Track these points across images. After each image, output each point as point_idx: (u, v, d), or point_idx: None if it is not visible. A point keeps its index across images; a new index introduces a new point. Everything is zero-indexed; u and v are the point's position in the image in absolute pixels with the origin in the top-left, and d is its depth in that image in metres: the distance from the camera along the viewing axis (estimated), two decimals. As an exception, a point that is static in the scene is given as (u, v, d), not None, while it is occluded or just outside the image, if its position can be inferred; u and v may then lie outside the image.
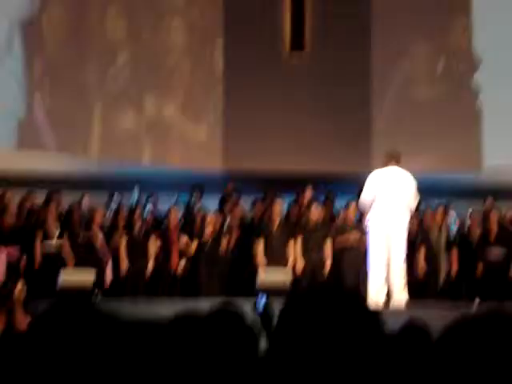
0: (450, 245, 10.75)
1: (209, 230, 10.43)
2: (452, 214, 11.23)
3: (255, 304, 5.63)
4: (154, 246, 10.26)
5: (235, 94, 12.34)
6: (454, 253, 10.72)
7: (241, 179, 11.76)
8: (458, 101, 12.43)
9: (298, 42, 12.18)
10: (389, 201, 8.87)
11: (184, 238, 10.42)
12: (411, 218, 9.25)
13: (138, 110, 12.23)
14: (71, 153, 11.95)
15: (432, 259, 10.59)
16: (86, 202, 10.80)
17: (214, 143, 12.41)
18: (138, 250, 10.15)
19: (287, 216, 10.81)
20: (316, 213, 10.41)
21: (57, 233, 9.91)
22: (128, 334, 1.55)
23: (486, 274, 10.56)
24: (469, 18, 12.57)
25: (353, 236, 10.25)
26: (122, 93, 12.09)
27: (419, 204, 9.67)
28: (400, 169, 9.04)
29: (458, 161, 12.40)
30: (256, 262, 10.20)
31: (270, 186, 11.50)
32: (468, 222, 11.24)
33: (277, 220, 10.37)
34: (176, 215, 10.55)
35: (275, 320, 1.55)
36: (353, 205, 10.38)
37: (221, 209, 11.12)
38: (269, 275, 9.89)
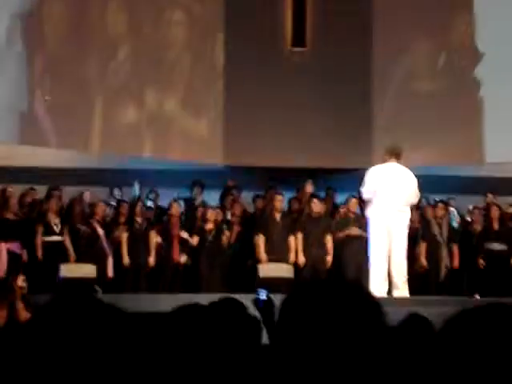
0: (450, 240, 10.75)
1: (209, 225, 10.44)
2: (453, 210, 11.23)
3: (256, 299, 5.63)
4: (154, 240, 10.26)
5: (236, 89, 12.33)
6: (455, 248, 10.72)
7: (241, 174, 11.76)
8: (459, 96, 12.42)
9: (299, 39, 12.17)
10: (389, 196, 8.86)
11: (185, 233, 10.43)
12: (412, 213, 9.24)
13: (139, 105, 12.22)
14: (72, 148, 11.95)
15: (433, 253, 10.59)
16: (87, 196, 10.80)
17: (215, 138, 12.40)
18: (139, 245, 10.16)
19: (288, 211, 10.81)
20: (316, 208, 10.41)
21: (58, 227, 9.92)
22: (130, 324, 1.55)
23: (488, 268, 10.56)
24: (470, 14, 12.55)
25: (353, 231, 10.25)
26: (123, 87, 12.08)
27: (420, 199, 9.66)
28: (400, 165, 9.02)
29: (460, 156, 12.40)
30: (257, 257, 10.21)
31: (271, 181, 11.50)
32: (469, 217, 11.24)
33: (278, 215, 10.38)
34: (177, 210, 10.56)
35: (276, 313, 1.55)
36: (353, 199, 10.38)
37: (221, 204, 11.13)
38: (269, 270, 9.90)
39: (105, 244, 10.04)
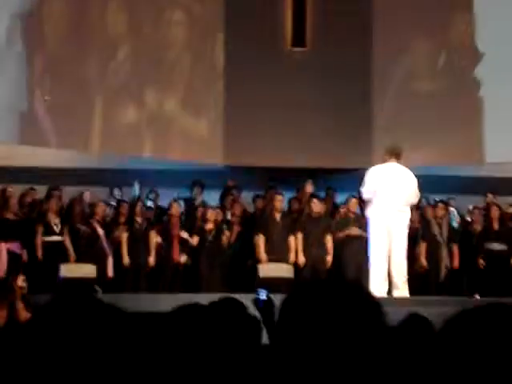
0: (451, 239, 10.75)
1: (209, 225, 10.44)
2: (453, 210, 11.23)
3: (256, 299, 5.63)
4: (154, 240, 10.26)
5: (236, 89, 12.33)
6: (456, 247, 10.72)
7: (241, 174, 11.76)
8: (459, 96, 12.42)
9: (299, 39, 12.17)
10: (389, 196, 8.85)
11: (185, 233, 10.43)
12: (412, 213, 9.24)
13: (139, 105, 12.22)
14: (72, 148, 11.94)
15: (433, 253, 10.59)
16: (87, 196, 10.80)
17: (215, 138, 12.40)
18: (139, 245, 10.16)
19: (288, 211, 10.81)
20: (316, 208, 10.41)
21: (58, 227, 9.92)
22: (130, 324, 1.55)
23: (488, 268, 10.56)
24: (470, 14, 12.54)
25: (353, 232, 10.25)
26: (123, 87, 12.08)
27: (420, 199, 9.66)
28: (400, 165, 9.01)
29: (460, 156, 12.39)
30: (257, 257, 10.21)
31: (271, 181, 11.50)
32: (469, 217, 11.24)
33: (278, 214, 10.38)
34: (177, 210, 10.55)
35: (276, 313, 1.55)
36: (354, 199, 10.38)
37: (221, 204, 11.13)
38: (269, 270, 9.90)
39: (105, 244, 10.04)
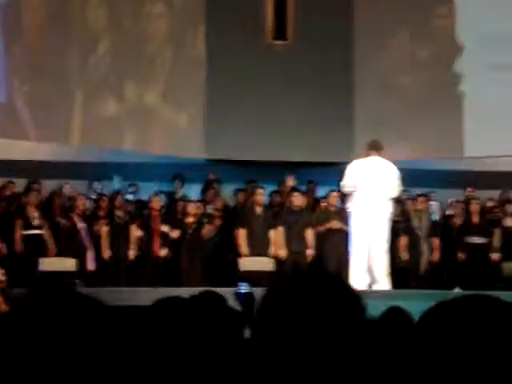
0: (431, 232, 10.80)
1: (190, 218, 10.42)
2: (434, 202, 11.28)
3: (237, 293, 5.63)
4: (135, 233, 10.23)
5: (217, 82, 12.29)
6: (436, 240, 10.77)
7: (223, 168, 11.74)
8: (440, 90, 12.44)
9: (280, 32, 12.14)
10: (370, 190, 8.88)
11: (166, 226, 10.41)
12: (393, 206, 9.27)
13: (120, 98, 12.15)
14: (52, 140, 11.86)
15: (414, 247, 10.64)
16: (67, 190, 10.74)
17: (196, 131, 12.36)
18: (119, 239, 10.12)
19: (269, 205, 10.81)
20: (298, 201, 10.42)
21: (37, 220, 9.86)
22: (110, 317, 1.54)
23: (468, 262, 10.63)
24: (451, 7, 12.58)
25: (334, 224, 10.27)
26: (104, 80, 12.01)
27: (401, 193, 9.69)
28: (381, 159, 9.04)
29: (439, 150, 12.44)
30: (238, 250, 10.21)
31: (252, 174, 11.49)
32: (449, 211, 11.29)
33: (259, 208, 10.38)
34: (157, 204, 10.53)
35: (257, 306, 1.54)
36: (335, 193, 10.40)
37: (202, 198, 11.11)
38: (250, 264, 9.90)
39: (85, 237, 10.00)
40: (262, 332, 1.48)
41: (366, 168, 8.96)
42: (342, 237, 9.78)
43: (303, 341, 1.44)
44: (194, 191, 11.26)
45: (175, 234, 10.37)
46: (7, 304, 6.09)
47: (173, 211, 10.66)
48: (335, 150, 12.03)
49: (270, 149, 12.09)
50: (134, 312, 1.77)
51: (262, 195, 10.55)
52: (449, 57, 12.47)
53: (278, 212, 10.54)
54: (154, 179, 11.36)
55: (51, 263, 9.62)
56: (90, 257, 9.92)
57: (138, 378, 1.63)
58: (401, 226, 10.49)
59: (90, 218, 10.23)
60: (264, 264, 9.92)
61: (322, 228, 10.36)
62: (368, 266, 8.93)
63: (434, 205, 11.26)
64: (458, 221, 10.98)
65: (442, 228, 10.99)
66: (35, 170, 10.99)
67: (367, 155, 9.07)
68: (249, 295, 5.53)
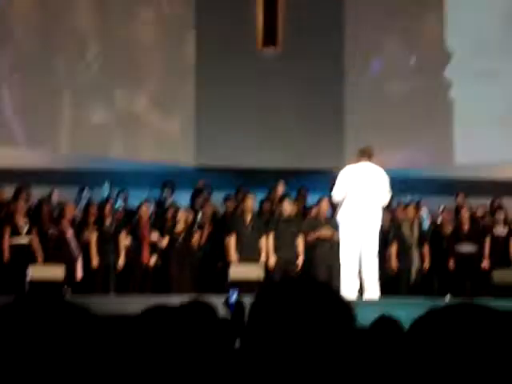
0: (422, 240, 10.80)
1: (180, 225, 10.40)
2: (424, 210, 11.29)
3: (227, 299, 5.61)
4: (124, 241, 10.20)
5: (207, 88, 12.29)
6: (426, 248, 10.78)
7: (213, 175, 11.73)
8: (431, 98, 12.49)
9: (270, 39, 12.16)
10: (361, 197, 8.87)
11: (155, 234, 10.38)
12: (383, 214, 9.26)
13: (109, 105, 12.14)
14: (41, 147, 11.83)
15: (404, 255, 10.64)
16: (56, 196, 10.71)
17: (186, 138, 12.35)
18: (108, 246, 10.09)
19: (259, 211, 10.81)
20: (288, 208, 10.41)
21: (25, 228, 9.81)
22: (97, 325, 1.51)
23: (458, 270, 10.64)
24: (441, 15, 12.62)
25: (325, 232, 10.26)
26: (93, 87, 11.99)
27: (391, 200, 9.69)
28: (372, 164, 9.04)
29: (431, 156, 12.47)
30: (228, 257, 10.19)
31: (242, 181, 11.48)
32: (440, 217, 11.30)
33: (249, 215, 10.36)
34: (147, 210, 10.50)
35: (247, 314, 1.52)
36: (325, 200, 10.39)
37: (192, 204, 11.09)
38: (241, 271, 9.88)
39: (74, 245, 9.96)
40: (251, 341, 1.46)
41: (358, 174, 8.96)
42: (332, 245, 9.77)
43: (293, 351, 1.43)
44: (183, 199, 11.24)
45: (164, 242, 10.34)
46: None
47: (162, 219, 10.64)
48: (325, 158, 12.04)
49: (260, 156, 12.09)
50: (122, 321, 1.75)
51: (252, 201, 10.54)
52: (438, 64, 12.51)
53: (268, 219, 10.53)
54: (143, 186, 11.34)
55: (39, 271, 9.57)
56: (78, 265, 9.88)
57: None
58: (391, 233, 10.49)
59: (79, 226, 10.19)
60: (254, 271, 9.89)
61: (312, 236, 10.35)
62: (358, 274, 8.91)
63: (425, 213, 11.27)
64: (448, 229, 10.99)
65: (432, 236, 11.00)
66: (24, 177, 10.94)
67: (358, 161, 9.06)
68: (239, 303, 5.50)
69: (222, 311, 5.00)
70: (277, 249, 10.20)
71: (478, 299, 7.93)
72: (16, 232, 9.75)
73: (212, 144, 12.16)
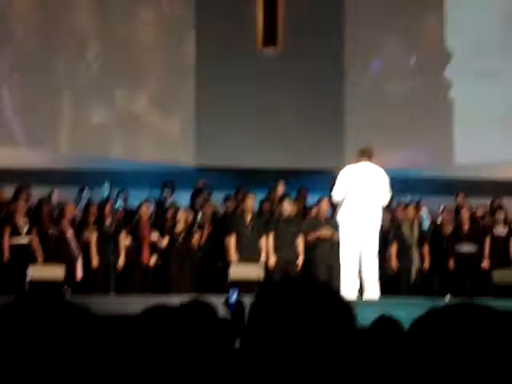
0: (422, 240, 10.80)
1: (180, 225, 10.39)
2: (424, 210, 11.28)
3: (227, 299, 5.61)
4: (124, 241, 10.19)
5: (207, 88, 12.28)
6: (426, 248, 10.77)
7: (213, 175, 11.72)
8: (431, 98, 12.48)
9: (270, 38, 12.16)
10: (361, 197, 8.87)
11: (155, 234, 10.37)
12: (383, 214, 9.25)
13: (109, 104, 12.13)
14: (41, 147, 11.83)
15: (404, 255, 10.63)
16: (56, 196, 10.70)
17: (186, 138, 12.35)
18: (108, 246, 10.08)
19: (259, 211, 10.80)
20: (288, 208, 10.40)
21: (25, 228, 9.81)
22: (97, 326, 1.51)
23: (458, 270, 10.63)
24: (441, 15, 12.62)
25: (325, 232, 10.26)
26: (93, 87, 11.99)
27: (391, 200, 9.68)
28: (372, 164, 9.03)
29: (431, 156, 12.46)
30: (228, 258, 10.18)
31: (242, 181, 11.48)
32: (440, 217, 11.30)
33: (249, 215, 10.36)
34: (147, 210, 10.50)
35: (247, 314, 1.52)
36: (325, 200, 10.38)
37: (192, 204, 11.09)
38: (241, 271, 9.88)
39: (74, 245, 9.95)
40: (251, 341, 1.46)
41: (358, 174, 8.95)
42: (333, 245, 9.76)
43: (293, 351, 1.42)
44: (183, 199, 11.24)
45: (164, 242, 10.34)
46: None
47: (162, 219, 10.63)
48: (325, 157, 12.04)
49: (260, 156, 12.08)
50: (122, 321, 1.74)
51: (252, 201, 10.54)
52: (438, 64, 12.51)
53: (268, 219, 10.52)
54: (143, 186, 11.34)
55: (39, 271, 9.56)
56: (78, 265, 9.88)
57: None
58: (391, 233, 10.48)
59: (79, 226, 10.19)
60: (254, 271, 9.89)
61: (312, 236, 10.34)
62: (358, 274, 8.91)
63: (425, 213, 11.26)
64: (448, 229, 10.98)
65: (432, 236, 10.99)
66: (24, 177, 10.94)
67: (358, 161, 9.06)
68: (239, 304, 5.50)
69: (222, 311, 5.00)
70: (277, 249, 10.20)
71: (478, 299, 7.94)
72: (16, 232, 9.75)
73: (212, 144, 12.15)
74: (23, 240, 9.76)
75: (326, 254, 10.11)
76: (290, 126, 12.23)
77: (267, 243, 10.22)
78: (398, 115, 12.38)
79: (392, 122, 12.33)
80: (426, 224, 11.18)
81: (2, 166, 11.28)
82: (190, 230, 10.42)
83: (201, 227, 10.55)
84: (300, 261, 10.23)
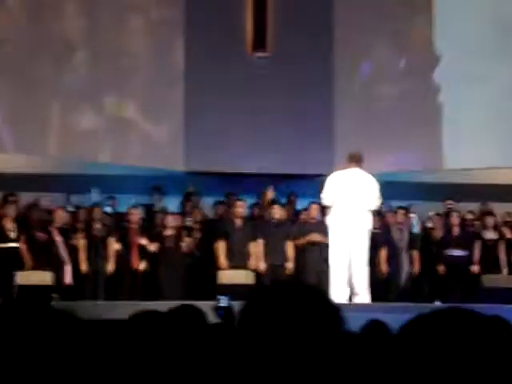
0: (411, 245, 10.81)
1: (169, 231, 10.37)
2: (413, 216, 11.30)
3: (216, 306, 5.60)
4: (113, 247, 10.17)
5: (196, 94, 12.27)
6: (416, 254, 10.79)
7: (202, 180, 11.71)
8: (420, 101, 12.49)
9: (260, 43, 12.17)
10: (349, 203, 8.88)
11: (144, 240, 10.35)
12: (373, 219, 9.26)
13: (98, 110, 12.11)
14: (29, 153, 11.79)
15: (394, 260, 10.64)
16: (45, 202, 10.66)
17: (176, 144, 12.32)
18: (97, 252, 10.06)
19: (249, 217, 10.79)
20: (278, 213, 10.40)
21: (14, 232, 9.77)
22: (85, 331, 1.50)
23: (448, 274, 10.65)
24: (430, 17, 12.64)
25: (314, 237, 10.26)
26: (82, 92, 11.96)
27: (381, 205, 9.70)
28: (360, 171, 9.04)
29: (420, 161, 12.47)
30: (217, 263, 10.16)
31: (232, 187, 11.47)
32: (429, 223, 11.31)
33: (238, 221, 10.35)
34: (136, 216, 10.47)
35: (237, 320, 1.51)
36: (315, 205, 10.39)
37: (182, 210, 11.07)
38: (230, 277, 9.87)
39: (62, 251, 9.92)
40: (240, 346, 1.45)
41: (346, 180, 8.96)
42: (322, 250, 9.76)
43: (282, 355, 1.42)
44: (172, 204, 11.22)
45: (153, 247, 10.32)
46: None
47: (151, 224, 10.62)
48: (315, 163, 12.03)
49: (249, 161, 12.08)
50: (111, 326, 1.74)
51: (242, 207, 10.54)
52: (427, 67, 12.52)
53: (257, 224, 10.52)
54: (132, 192, 11.32)
55: (27, 277, 9.52)
56: (67, 270, 9.84)
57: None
58: (381, 238, 10.49)
59: (68, 231, 10.16)
60: (243, 277, 9.88)
61: (301, 241, 10.34)
62: (348, 278, 8.91)
63: (414, 217, 11.28)
64: (438, 233, 11.00)
65: (422, 241, 11.01)
66: (12, 183, 10.90)
67: (347, 167, 9.07)
68: (228, 309, 5.49)
69: (211, 317, 4.98)
70: (266, 254, 10.19)
71: (467, 304, 7.95)
72: (4, 237, 9.71)
73: (201, 149, 12.14)
74: (11, 244, 9.71)
75: (315, 259, 10.11)
76: (280, 130, 12.23)
77: (257, 248, 10.22)
78: (387, 119, 12.40)
79: (381, 126, 12.35)
80: (416, 229, 11.19)
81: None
82: (179, 235, 10.41)
83: (190, 232, 10.54)
84: (290, 266, 10.23)
